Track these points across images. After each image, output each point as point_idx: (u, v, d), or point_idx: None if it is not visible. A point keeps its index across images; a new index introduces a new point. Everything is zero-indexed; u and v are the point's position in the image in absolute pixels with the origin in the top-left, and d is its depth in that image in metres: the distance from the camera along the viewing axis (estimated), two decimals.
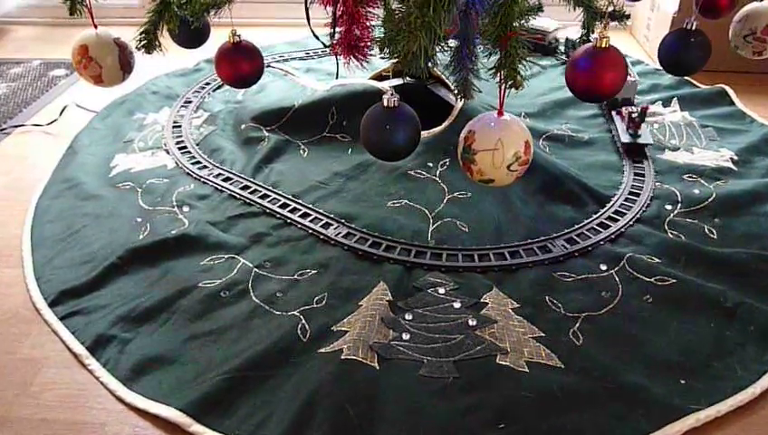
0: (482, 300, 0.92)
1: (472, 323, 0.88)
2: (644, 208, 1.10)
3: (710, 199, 1.12)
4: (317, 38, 1.10)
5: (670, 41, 0.93)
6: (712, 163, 1.22)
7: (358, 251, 1.02)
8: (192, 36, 1.07)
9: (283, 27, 2.03)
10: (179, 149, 1.33)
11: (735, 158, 1.24)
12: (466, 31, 0.75)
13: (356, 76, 1.27)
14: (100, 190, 1.20)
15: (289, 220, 1.10)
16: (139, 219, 1.11)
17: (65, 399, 0.81)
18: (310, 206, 1.14)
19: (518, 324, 0.88)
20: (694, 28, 0.92)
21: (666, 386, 0.79)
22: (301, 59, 1.78)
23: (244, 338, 0.87)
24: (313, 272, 0.99)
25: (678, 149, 1.28)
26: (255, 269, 0.99)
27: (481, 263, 0.99)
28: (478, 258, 1.00)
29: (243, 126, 1.40)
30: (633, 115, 1.27)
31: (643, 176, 1.19)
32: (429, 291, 0.94)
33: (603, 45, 0.77)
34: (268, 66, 1.68)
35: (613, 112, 1.35)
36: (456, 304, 0.91)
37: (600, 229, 1.06)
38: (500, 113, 0.76)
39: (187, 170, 1.26)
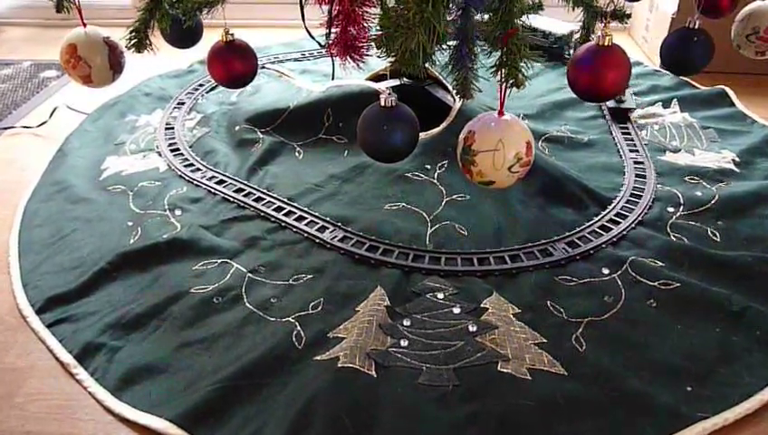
0: (482, 305, 0.90)
1: (472, 329, 0.86)
2: (646, 211, 1.08)
3: (713, 201, 1.10)
4: (312, 38, 1.08)
5: (673, 40, 0.92)
6: (714, 165, 1.21)
7: (354, 255, 1.00)
8: (184, 36, 1.05)
9: (279, 28, 2.00)
10: (172, 151, 1.31)
11: (737, 159, 1.22)
12: (466, 28, 0.72)
13: (352, 77, 1.26)
14: (90, 194, 1.17)
15: (284, 224, 1.08)
16: (130, 223, 1.09)
17: (52, 410, 0.78)
18: (305, 209, 1.11)
19: (519, 330, 0.85)
20: (697, 27, 0.91)
21: (672, 393, 0.77)
22: (296, 60, 1.76)
23: (237, 346, 0.85)
24: (309, 277, 0.96)
25: (679, 150, 1.27)
26: (249, 274, 0.97)
27: (481, 267, 0.97)
28: (478, 262, 0.98)
29: (237, 128, 1.37)
30: None
31: (644, 177, 1.17)
32: (428, 296, 0.92)
33: (606, 43, 0.75)
34: (263, 67, 1.66)
35: None
36: (456, 310, 0.89)
37: (602, 232, 1.03)
38: (500, 113, 0.74)
39: (180, 173, 1.23)
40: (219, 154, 1.29)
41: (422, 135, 1.19)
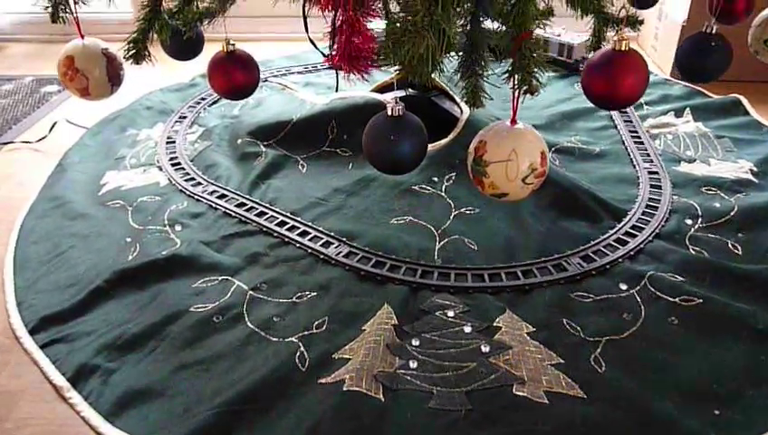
0: (494, 324, 0.85)
1: (485, 349, 0.81)
2: (663, 223, 1.04)
3: (732, 213, 1.06)
4: (315, 47, 1.05)
5: (689, 45, 0.88)
6: (731, 175, 1.17)
7: (360, 271, 0.96)
8: (185, 47, 1.02)
9: (282, 42, 1.99)
10: (173, 165, 1.28)
11: (755, 169, 1.18)
12: (475, 34, 0.69)
13: (357, 89, 1.23)
14: (88, 209, 1.15)
15: (287, 239, 1.04)
16: (129, 239, 1.05)
17: None
18: (309, 224, 1.08)
19: (535, 350, 0.81)
20: (714, 32, 0.87)
21: (699, 417, 0.72)
22: (299, 73, 1.74)
23: (237, 367, 0.81)
24: (313, 294, 0.92)
25: (695, 160, 1.23)
26: (251, 292, 0.93)
27: (492, 283, 0.93)
28: (489, 278, 0.94)
29: (239, 141, 1.34)
30: None
31: (660, 188, 1.13)
32: (437, 314, 0.88)
33: (623, 48, 0.71)
34: (265, 81, 1.64)
35: None
36: (467, 329, 0.85)
37: (618, 246, 0.99)
38: (513, 122, 0.70)
39: (181, 187, 1.20)
40: (221, 168, 1.26)
41: (429, 147, 1.16)
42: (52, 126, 1.47)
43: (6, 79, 1.76)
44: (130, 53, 0.87)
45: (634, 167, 1.21)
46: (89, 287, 0.94)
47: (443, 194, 1.14)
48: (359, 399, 0.75)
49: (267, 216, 1.11)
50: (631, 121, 1.39)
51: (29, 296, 0.95)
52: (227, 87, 0.93)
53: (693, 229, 1.03)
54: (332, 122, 1.33)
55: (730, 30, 0.90)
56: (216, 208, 1.13)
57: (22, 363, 0.85)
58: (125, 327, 0.87)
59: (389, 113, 0.70)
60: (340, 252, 1.01)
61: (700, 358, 0.80)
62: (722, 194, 1.12)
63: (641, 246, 0.99)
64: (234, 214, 1.11)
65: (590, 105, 1.51)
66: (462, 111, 1.29)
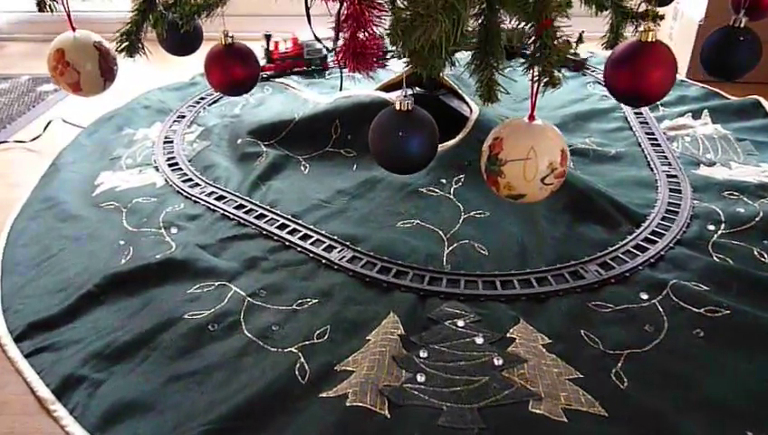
0: (508, 335, 0.80)
1: (498, 362, 0.76)
2: (684, 229, 0.99)
3: (757, 218, 1.00)
4: (319, 41, 1.00)
5: (716, 39, 0.83)
6: (754, 179, 1.11)
7: (364, 277, 0.91)
8: (182, 42, 0.98)
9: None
10: (170, 165, 1.23)
11: None
12: (491, 24, 0.64)
13: (361, 87, 1.18)
14: (81, 211, 1.10)
15: (287, 243, 1.00)
16: (122, 242, 1.01)
17: None
18: (311, 227, 1.03)
19: (552, 364, 0.76)
20: (742, 26, 0.82)
21: None
22: (303, 72, 1.69)
23: (233, 380, 0.76)
24: (314, 301, 0.87)
25: (715, 163, 1.17)
26: (248, 298, 0.88)
27: (505, 291, 0.87)
28: (501, 286, 0.89)
29: (239, 141, 1.30)
30: None
31: (680, 192, 1.08)
32: (447, 323, 0.82)
33: (649, 39, 0.66)
34: (266, 79, 1.59)
35: None
36: (479, 340, 0.79)
37: (638, 252, 0.94)
38: (531, 118, 0.65)
39: (178, 189, 1.15)
40: (220, 168, 1.21)
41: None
42: (47, 125, 1.43)
43: (2, 78, 1.73)
44: (123, 46, 0.83)
45: (651, 170, 1.16)
46: (78, 292, 0.89)
47: (451, 196, 1.09)
48: (362, 415, 0.70)
49: (267, 218, 1.06)
50: (647, 123, 1.34)
51: (16, 301, 0.90)
52: (225, 82, 0.89)
53: (716, 236, 0.98)
54: (336, 122, 1.28)
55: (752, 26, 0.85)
56: (213, 210, 1.09)
57: (4, 373, 0.80)
58: (115, 335, 0.83)
59: (398, 108, 0.65)
60: (344, 257, 0.96)
61: (729, 373, 0.75)
62: (745, 199, 1.06)
63: (662, 253, 0.94)
64: (232, 216, 1.06)
65: (604, 106, 1.46)
66: (471, 111, 1.24)
